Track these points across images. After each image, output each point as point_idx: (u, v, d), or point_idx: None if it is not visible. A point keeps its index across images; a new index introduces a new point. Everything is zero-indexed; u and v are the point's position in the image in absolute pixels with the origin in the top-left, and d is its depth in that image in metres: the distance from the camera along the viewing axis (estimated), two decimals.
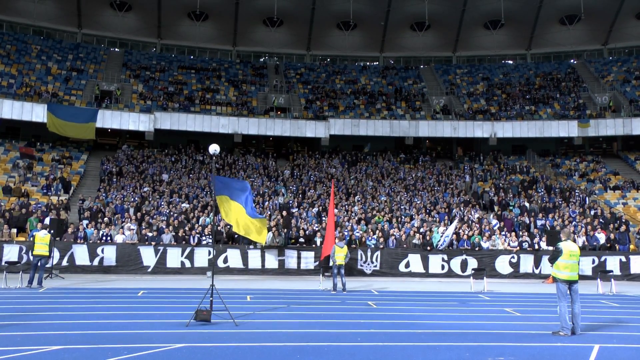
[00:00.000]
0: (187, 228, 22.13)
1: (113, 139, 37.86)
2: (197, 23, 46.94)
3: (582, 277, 18.92)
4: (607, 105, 39.54)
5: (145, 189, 27.67)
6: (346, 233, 22.50)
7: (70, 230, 20.95)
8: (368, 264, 21.18)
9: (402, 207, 27.69)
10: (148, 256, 20.18)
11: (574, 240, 17.75)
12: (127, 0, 44.91)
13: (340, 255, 16.17)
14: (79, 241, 20.43)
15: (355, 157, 36.76)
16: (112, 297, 13.76)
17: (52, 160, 31.22)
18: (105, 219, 22.67)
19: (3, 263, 18.08)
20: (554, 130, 37.57)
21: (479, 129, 37.93)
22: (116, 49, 45.62)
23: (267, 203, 26.93)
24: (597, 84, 42.48)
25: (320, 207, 26.21)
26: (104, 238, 20.93)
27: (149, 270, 20.08)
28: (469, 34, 48.31)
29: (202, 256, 20.38)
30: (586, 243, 22.79)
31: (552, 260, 9.64)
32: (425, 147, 40.98)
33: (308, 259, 20.98)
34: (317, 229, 22.78)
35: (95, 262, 19.84)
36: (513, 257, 21.60)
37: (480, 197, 30.42)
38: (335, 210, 25.11)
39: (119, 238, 20.88)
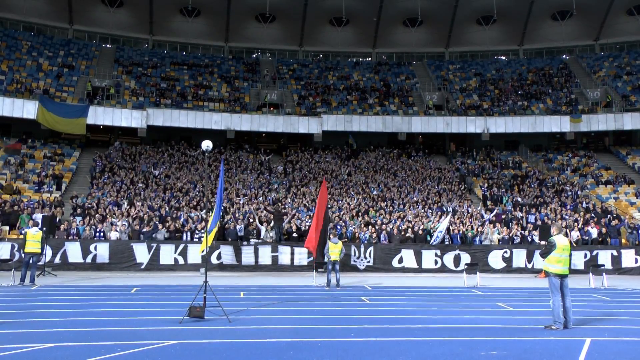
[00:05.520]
0: (179, 225, 22.11)
1: (105, 135, 37.68)
2: (189, 19, 46.71)
3: (575, 272, 19.11)
4: (604, 99, 39.60)
5: (138, 186, 27.58)
6: (339, 228, 22.53)
7: (62, 227, 20.87)
8: (361, 260, 21.22)
9: (395, 202, 27.76)
10: (141, 253, 20.13)
11: (566, 235, 17.88)
12: None
13: (334, 251, 16.16)
14: (71, 238, 20.35)
15: (348, 152, 36.78)
16: (105, 295, 13.71)
17: (44, 157, 31.03)
18: (98, 215, 22.60)
19: None
20: (546, 126, 37.74)
21: (472, 125, 38.04)
22: (108, 45, 45.30)
23: (260, 199, 26.93)
24: (588, 80, 42.65)
25: (314, 203, 26.20)
26: (97, 235, 20.87)
27: (142, 267, 20.04)
28: (461, 29, 48.34)
29: (195, 253, 20.33)
30: (578, 237, 22.94)
31: (545, 254, 9.66)
32: (418, 143, 41.05)
33: (301, 255, 20.97)
34: (310, 224, 22.77)
35: (88, 259, 19.78)
36: (506, 252, 21.70)
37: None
38: (328, 205, 25.12)
39: (111, 235, 20.83)
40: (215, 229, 11.37)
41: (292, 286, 16.42)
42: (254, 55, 48.82)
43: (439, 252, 21.50)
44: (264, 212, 24.60)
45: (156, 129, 35.48)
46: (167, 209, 24.22)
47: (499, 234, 23.07)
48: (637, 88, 40.00)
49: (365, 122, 37.82)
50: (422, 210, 26.54)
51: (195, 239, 21.00)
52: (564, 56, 48.07)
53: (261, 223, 22.54)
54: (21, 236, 19.31)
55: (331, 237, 16.63)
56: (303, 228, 22.55)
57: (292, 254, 21.02)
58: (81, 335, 8.48)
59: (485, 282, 18.09)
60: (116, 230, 21.14)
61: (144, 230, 21.21)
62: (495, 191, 30.02)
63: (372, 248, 21.35)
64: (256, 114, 37.44)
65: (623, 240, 23.87)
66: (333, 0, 44.91)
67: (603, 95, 39.98)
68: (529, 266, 21.59)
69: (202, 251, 19.47)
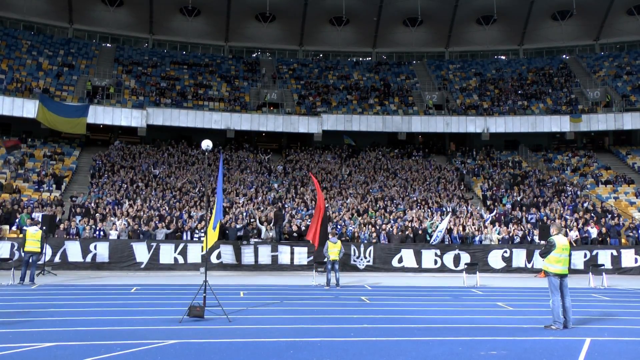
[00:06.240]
0: (180, 224, 22.11)
1: (105, 134, 37.69)
2: (189, 18, 46.71)
3: (574, 271, 19.15)
4: (604, 99, 39.59)
5: (138, 185, 27.57)
6: (339, 228, 22.53)
7: (62, 226, 20.87)
8: (361, 259, 21.22)
9: (395, 202, 27.75)
10: (141, 252, 20.13)
11: (565, 234, 17.89)
12: None
13: (333, 250, 16.18)
14: (71, 237, 20.35)
15: (349, 152, 36.80)
16: (105, 294, 13.72)
17: (44, 156, 31.02)
18: (98, 215, 22.60)
19: None
20: (546, 125, 37.75)
21: (472, 124, 38.04)
22: (108, 45, 45.29)
23: (259, 198, 26.93)
24: (588, 79, 42.65)
25: (314, 202, 26.20)
26: (97, 234, 20.88)
27: (142, 266, 20.04)
28: (461, 29, 48.35)
29: (195, 252, 20.35)
30: (578, 237, 22.95)
31: (545, 254, 9.66)
32: (418, 143, 41.06)
33: (301, 255, 20.99)
34: (310, 224, 22.77)
35: (88, 258, 19.78)
36: (505, 252, 21.70)
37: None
38: (327, 204, 25.13)
39: (111, 234, 20.83)
40: (219, 226, 11.31)
41: (291, 286, 16.43)
42: (254, 55, 48.82)
43: (438, 252, 21.50)
44: (264, 212, 24.60)
45: (156, 128, 35.49)
46: (167, 208, 24.22)
47: (498, 234, 23.07)
48: (637, 88, 40.00)
49: (365, 121, 37.82)
50: (422, 210, 26.53)
51: (195, 239, 21.01)
52: (564, 56, 48.07)
53: (261, 223, 22.55)
54: (21, 235, 19.35)
55: (330, 236, 16.65)
56: (303, 228, 22.55)
57: (292, 253, 21.03)
58: (81, 334, 8.48)
59: (485, 281, 18.10)
60: (116, 230, 21.14)
61: (144, 229, 21.21)
62: (495, 191, 30.02)
63: (371, 248, 21.35)
64: (256, 113, 37.44)
65: (623, 240, 23.89)
66: (333, 0, 44.90)
67: (603, 95, 39.99)
68: (529, 266, 21.60)
69: (204, 250, 19.46)
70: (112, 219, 22.30)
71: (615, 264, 21.75)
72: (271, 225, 22.34)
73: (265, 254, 20.87)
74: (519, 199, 28.76)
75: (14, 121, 33.48)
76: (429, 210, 26.49)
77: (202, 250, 19.97)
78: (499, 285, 17.35)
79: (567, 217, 25.66)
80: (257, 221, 22.65)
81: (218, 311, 10.16)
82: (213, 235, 11.10)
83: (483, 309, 12.16)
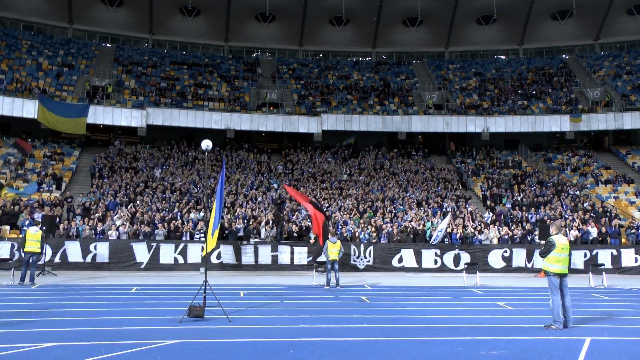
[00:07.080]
0: (179, 224, 22.11)
1: (105, 134, 37.69)
2: (189, 18, 46.71)
3: (574, 271, 19.14)
4: (604, 99, 39.61)
5: (138, 185, 27.56)
6: (339, 227, 22.54)
7: (62, 226, 20.87)
8: (361, 259, 21.23)
9: (395, 202, 27.75)
10: (141, 252, 20.14)
11: (565, 234, 17.88)
12: None
13: (333, 250, 16.18)
14: (71, 237, 20.35)
15: (350, 151, 36.80)
16: (105, 294, 13.72)
17: (44, 157, 31.02)
18: (98, 215, 22.59)
19: None
20: (546, 125, 37.76)
21: (472, 124, 38.03)
22: (108, 45, 45.27)
23: (259, 198, 26.92)
24: (588, 79, 42.65)
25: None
26: (97, 234, 20.88)
27: (142, 266, 20.05)
28: (461, 29, 48.34)
29: (195, 252, 20.36)
30: (577, 236, 22.95)
31: (545, 253, 9.65)
32: (418, 142, 41.06)
33: (301, 255, 21.00)
34: (310, 224, 22.78)
35: (88, 258, 19.79)
36: (505, 252, 21.71)
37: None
38: (327, 204, 25.18)
39: (111, 234, 20.83)
40: (218, 230, 11.29)
41: (292, 286, 16.43)
42: (254, 55, 48.80)
43: (438, 252, 21.51)
44: (264, 212, 24.60)
45: (156, 128, 35.48)
46: (167, 208, 24.21)
47: (499, 233, 23.07)
48: (637, 87, 40.00)
49: (365, 121, 37.82)
50: (422, 210, 26.53)
51: (195, 239, 21.02)
52: (564, 56, 48.05)
53: (261, 223, 22.54)
54: (21, 235, 19.36)
55: (330, 236, 16.64)
56: (303, 228, 22.56)
57: (292, 253, 21.04)
58: (81, 334, 8.48)
59: (485, 281, 18.10)
60: (116, 230, 21.14)
61: (144, 229, 21.21)
62: (495, 191, 30.01)
63: (371, 247, 21.35)
64: (256, 113, 37.44)
65: (623, 240, 23.89)
66: (333, 0, 44.89)
67: (603, 95, 40.00)
68: (529, 266, 21.61)
69: (205, 252, 19.45)
70: (112, 219, 22.29)
71: (615, 264, 21.77)
72: (271, 225, 22.34)
73: (265, 254, 20.88)
74: (519, 199, 28.76)
75: (14, 121, 33.47)
76: (429, 211, 26.48)
77: (202, 251, 19.98)
78: (499, 285, 17.35)
79: (567, 216, 25.66)
80: (258, 221, 22.63)
81: (218, 311, 10.16)
82: (212, 241, 11.04)
83: (483, 309, 12.17)
